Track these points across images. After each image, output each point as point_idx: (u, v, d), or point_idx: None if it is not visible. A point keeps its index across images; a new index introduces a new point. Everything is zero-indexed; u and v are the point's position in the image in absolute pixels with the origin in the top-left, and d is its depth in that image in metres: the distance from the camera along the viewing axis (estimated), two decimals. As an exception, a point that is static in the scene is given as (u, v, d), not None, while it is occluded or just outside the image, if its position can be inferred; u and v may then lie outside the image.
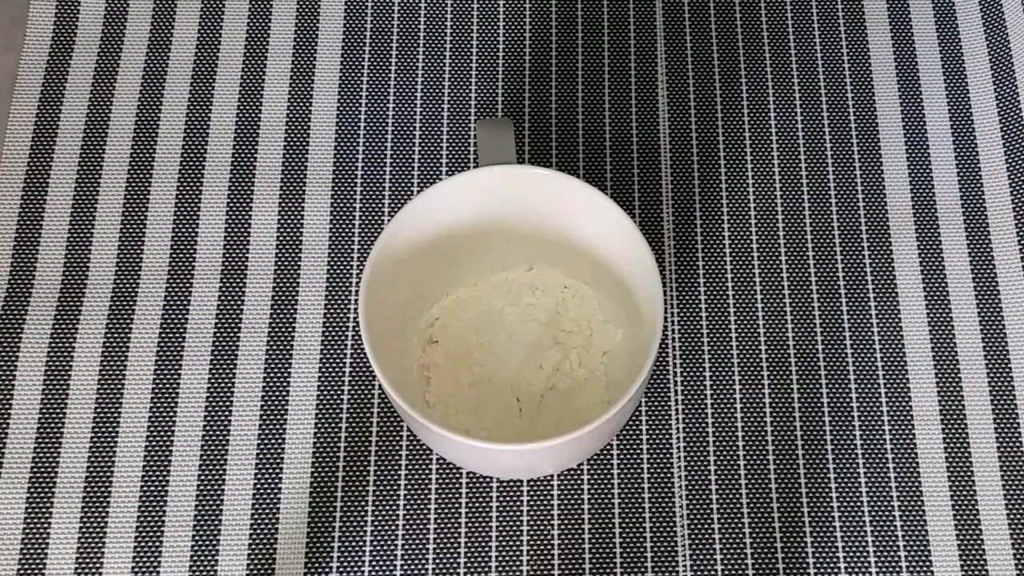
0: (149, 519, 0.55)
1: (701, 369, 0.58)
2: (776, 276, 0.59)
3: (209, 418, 0.57)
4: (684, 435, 0.56)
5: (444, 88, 0.63)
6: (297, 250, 0.60)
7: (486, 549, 0.54)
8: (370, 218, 0.60)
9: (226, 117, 0.62)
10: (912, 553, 0.54)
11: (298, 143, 0.62)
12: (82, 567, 0.54)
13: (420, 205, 0.52)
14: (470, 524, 0.55)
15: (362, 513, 0.55)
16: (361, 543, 0.55)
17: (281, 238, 0.60)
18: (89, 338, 0.58)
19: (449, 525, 0.55)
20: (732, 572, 0.54)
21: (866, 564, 0.54)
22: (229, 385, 0.57)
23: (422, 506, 0.55)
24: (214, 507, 0.55)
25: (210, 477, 0.56)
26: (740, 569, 0.54)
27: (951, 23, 0.64)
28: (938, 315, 0.58)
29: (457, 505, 0.55)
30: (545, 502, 0.55)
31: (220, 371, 0.57)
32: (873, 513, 0.55)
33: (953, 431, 0.56)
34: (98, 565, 0.54)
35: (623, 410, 0.49)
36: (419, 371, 0.55)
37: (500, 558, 0.54)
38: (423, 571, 0.54)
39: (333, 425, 0.57)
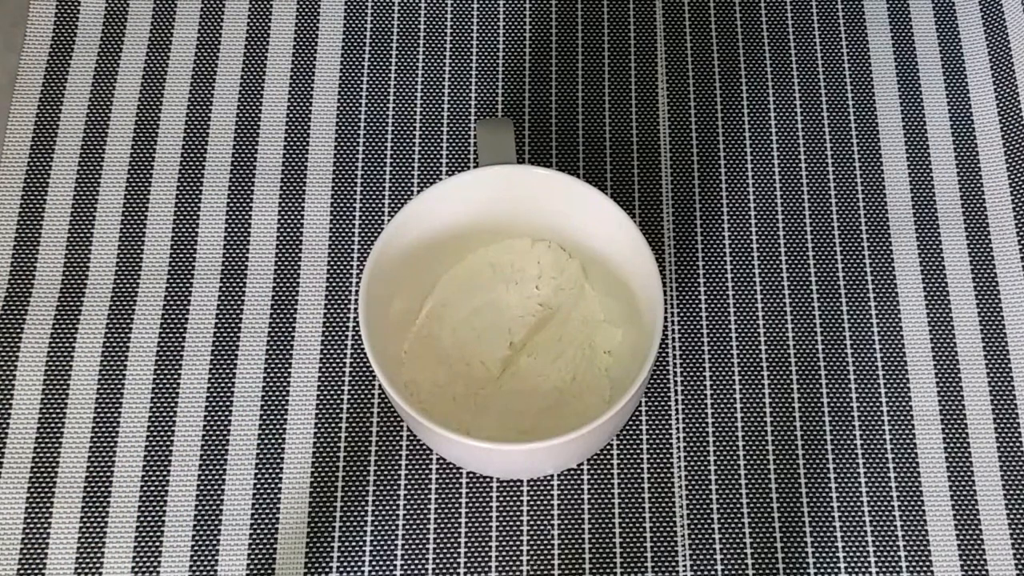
0: (149, 519, 0.55)
1: (701, 369, 0.58)
2: (776, 276, 0.59)
3: (209, 418, 0.57)
4: (684, 435, 0.56)
5: (444, 88, 0.63)
6: (297, 250, 0.60)
7: (486, 549, 0.54)
8: (370, 218, 0.60)
9: (226, 117, 0.62)
10: (912, 553, 0.54)
11: (298, 143, 0.62)
12: (82, 567, 0.54)
13: (420, 205, 0.52)
14: (470, 524, 0.55)
15: (362, 513, 0.55)
16: (361, 543, 0.55)
17: (281, 238, 0.60)
18: (89, 338, 0.58)
19: (449, 525, 0.55)
20: (732, 572, 0.54)
21: (866, 564, 0.54)
22: (229, 385, 0.57)
23: (422, 506, 0.55)
24: (214, 507, 0.55)
25: (210, 477, 0.56)
26: (740, 569, 0.54)
27: (951, 23, 0.64)
28: (938, 315, 0.58)
29: (457, 505, 0.55)
30: (545, 502, 0.55)
31: (220, 371, 0.57)
32: (873, 513, 0.55)
33: (953, 431, 0.56)
34: (98, 565, 0.54)
35: (623, 410, 0.49)
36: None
37: (500, 558, 0.54)
38: (423, 571, 0.54)
39: (333, 425, 0.57)
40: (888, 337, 0.58)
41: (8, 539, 0.55)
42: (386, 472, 0.56)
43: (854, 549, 0.54)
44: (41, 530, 0.55)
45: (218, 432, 0.56)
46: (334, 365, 0.58)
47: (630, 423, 0.57)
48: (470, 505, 0.55)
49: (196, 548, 0.54)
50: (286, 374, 0.57)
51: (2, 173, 0.61)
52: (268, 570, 0.54)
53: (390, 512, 0.55)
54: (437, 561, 0.54)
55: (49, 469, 0.56)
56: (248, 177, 0.61)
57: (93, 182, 0.61)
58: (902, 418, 0.57)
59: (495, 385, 0.54)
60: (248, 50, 0.64)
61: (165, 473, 0.56)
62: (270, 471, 0.56)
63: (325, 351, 0.58)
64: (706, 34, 0.64)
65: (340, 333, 0.58)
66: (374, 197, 0.61)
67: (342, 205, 0.61)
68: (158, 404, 0.57)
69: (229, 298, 0.59)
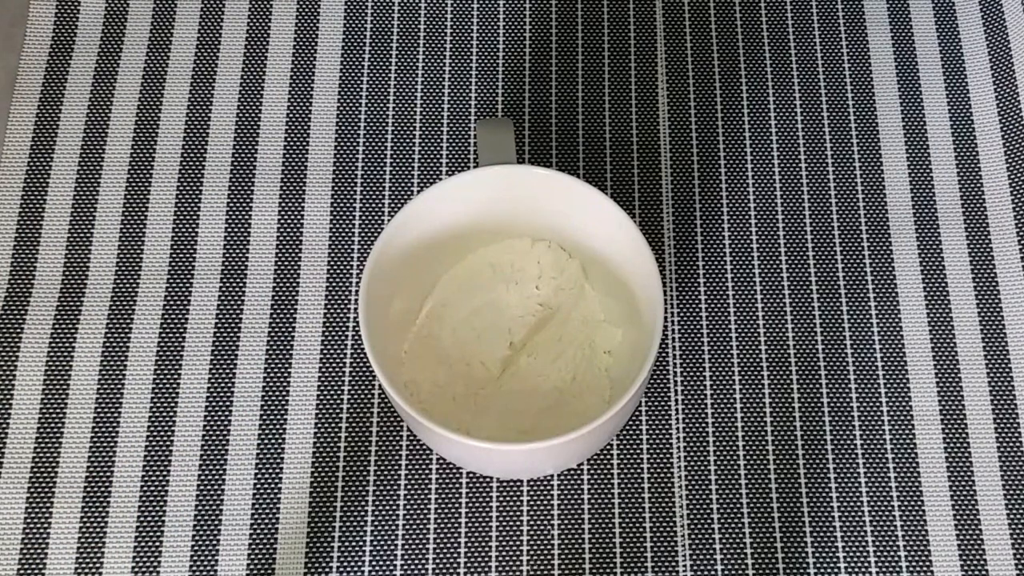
0: (149, 519, 0.55)
1: (701, 369, 0.58)
2: (776, 276, 0.59)
3: (209, 418, 0.57)
4: (684, 435, 0.56)
5: (444, 88, 0.63)
6: (297, 250, 0.60)
7: (486, 549, 0.54)
8: (370, 218, 0.60)
9: (226, 117, 0.62)
10: (912, 553, 0.54)
11: (298, 143, 0.62)
12: (82, 567, 0.54)
13: (420, 205, 0.52)
14: (470, 524, 0.55)
15: (362, 513, 0.55)
16: (361, 543, 0.55)
17: (281, 238, 0.60)
18: (89, 338, 0.58)
19: (449, 525, 0.55)
20: (732, 572, 0.54)
21: (866, 564, 0.54)
22: (229, 385, 0.57)
23: (422, 506, 0.55)
24: (214, 507, 0.55)
25: (210, 477, 0.56)
26: (740, 569, 0.54)
27: (951, 23, 0.64)
28: (938, 315, 0.58)
29: (457, 505, 0.55)
30: (545, 502, 0.55)
31: (220, 371, 0.57)
32: (873, 513, 0.55)
33: (953, 431, 0.56)
34: (98, 565, 0.54)
35: (623, 410, 0.49)
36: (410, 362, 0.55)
37: (500, 558, 0.54)
38: (423, 571, 0.54)
39: (333, 425, 0.57)
40: (888, 337, 0.58)
41: (8, 539, 0.55)
42: (386, 472, 0.56)
43: (854, 549, 0.54)
44: (41, 530, 0.55)
45: (218, 432, 0.56)
46: (334, 365, 0.58)
47: (630, 423, 0.57)
48: (470, 505, 0.55)
49: (196, 548, 0.54)
50: (286, 374, 0.57)
51: (2, 173, 0.61)
52: (268, 570, 0.54)
53: (390, 512, 0.55)
54: (437, 561, 0.54)
55: (49, 469, 0.56)
56: (248, 177, 0.61)
57: (93, 182, 0.61)
58: (902, 418, 0.57)
59: (495, 385, 0.54)
60: (248, 50, 0.64)
61: (165, 473, 0.56)
62: (270, 471, 0.56)
63: (325, 351, 0.58)
64: (706, 34, 0.64)
65: (340, 333, 0.58)
66: (374, 197, 0.61)
67: (342, 205, 0.61)
68: (158, 404, 0.57)
69: (229, 298, 0.59)
